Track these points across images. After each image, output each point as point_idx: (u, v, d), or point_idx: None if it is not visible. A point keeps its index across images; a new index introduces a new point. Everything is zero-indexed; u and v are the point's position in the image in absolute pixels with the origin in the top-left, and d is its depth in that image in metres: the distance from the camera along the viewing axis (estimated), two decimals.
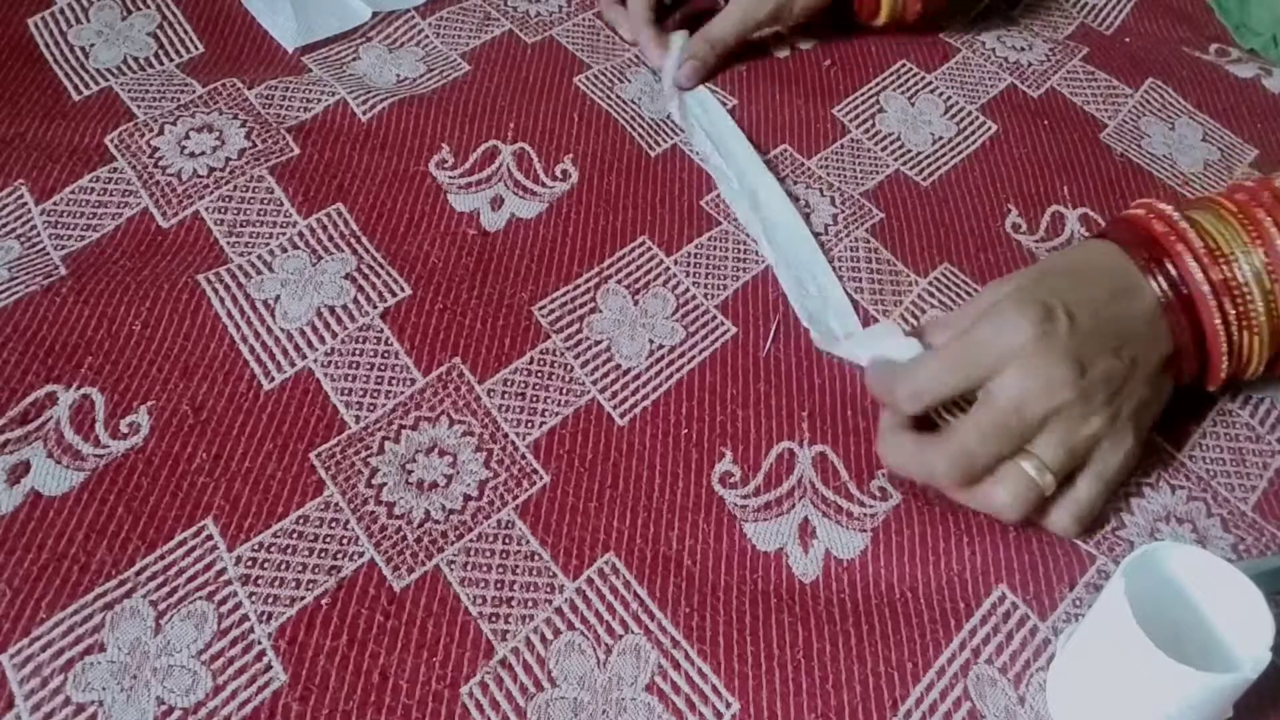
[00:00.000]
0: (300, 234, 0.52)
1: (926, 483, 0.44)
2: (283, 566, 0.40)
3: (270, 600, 0.40)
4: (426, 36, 0.65)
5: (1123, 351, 0.41)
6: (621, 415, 0.47)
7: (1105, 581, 0.42)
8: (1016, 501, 0.41)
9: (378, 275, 0.51)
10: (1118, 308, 0.42)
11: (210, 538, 0.41)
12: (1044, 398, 0.40)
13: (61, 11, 0.63)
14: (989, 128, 0.62)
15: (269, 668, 0.38)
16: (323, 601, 0.40)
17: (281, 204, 0.54)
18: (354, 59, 0.63)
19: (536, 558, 0.42)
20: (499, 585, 0.41)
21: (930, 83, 0.65)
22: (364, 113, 0.58)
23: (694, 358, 0.49)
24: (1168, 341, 0.43)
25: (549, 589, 0.41)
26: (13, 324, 0.47)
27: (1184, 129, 0.63)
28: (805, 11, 0.64)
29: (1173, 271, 0.42)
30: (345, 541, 0.41)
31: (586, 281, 0.52)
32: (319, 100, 0.59)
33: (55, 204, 0.53)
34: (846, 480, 0.45)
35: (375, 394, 0.46)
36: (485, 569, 0.41)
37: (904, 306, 0.52)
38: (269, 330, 0.48)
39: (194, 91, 0.59)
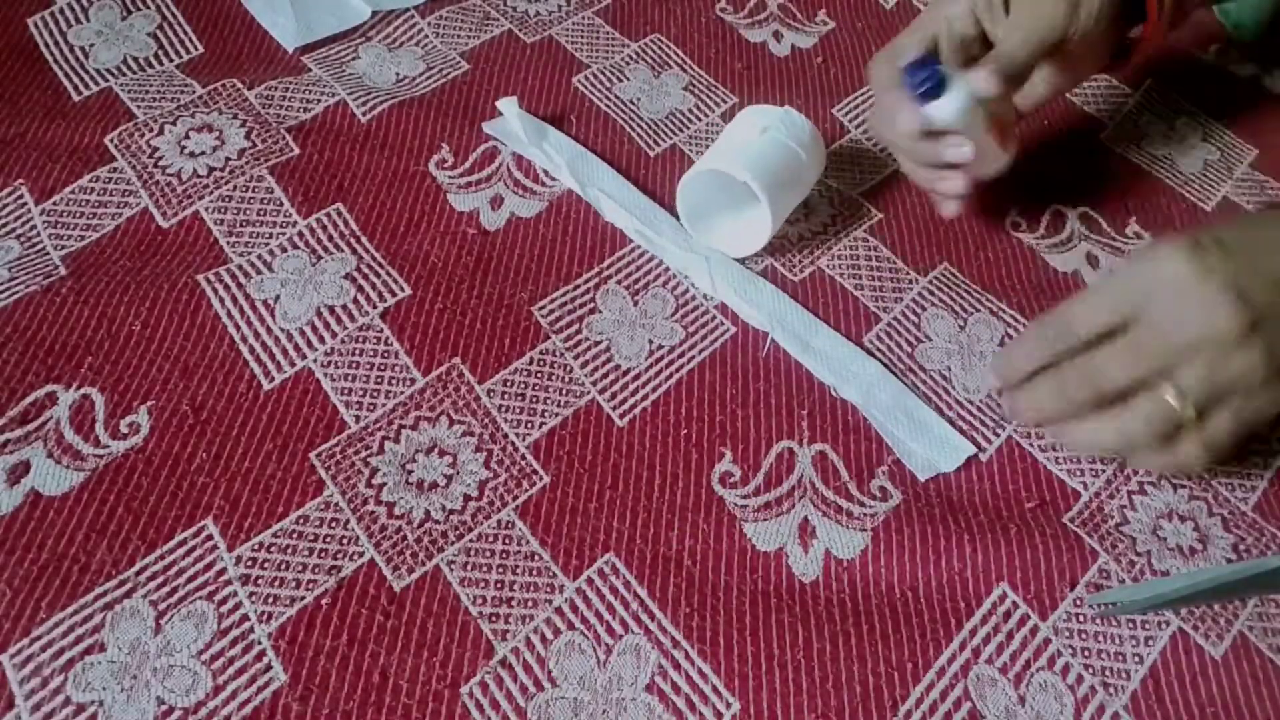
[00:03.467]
0: (300, 234, 0.52)
1: (1052, 411, 0.41)
2: (283, 566, 0.40)
3: (270, 600, 0.40)
4: (426, 36, 0.65)
5: None
6: (621, 416, 0.47)
7: (1106, 580, 0.42)
8: (1149, 429, 0.39)
9: (377, 275, 0.51)
10: None
11: (210, 538, 0.41)
12: (1197, 324, 0.37)
13: (61, 11, 0.63)
14: None
15: (269, 668, 0.38)
16: (323, 601, 0.40)
17: (281, 204, 0.53)
18: (354, 58, 0.63)
19: (536, 558, 0.42)
20: (499, 585, 0.41)
21: None
22: (364, 113, 0.58)
23: (693, 358, 0.49)
24: None
25: (549, 589, 0.41)
26: (13, 324, 0.47)
27: (1183, 129, 0.63)
28: (1091, 16, 0.48)
29: None
30: (345, 541, 0.41)
31: (586, 282, 0.52)
32: (319, 100, 0.59)
33: (55, 204, 0.53)
34: (846, 480, 0.45)
35: (375, 394, 0.46)
36: (485, 569, 0.41)
37: (904, 304, 0.52)
38: (269, 330, 0.48)
39: (194, 92, 0.59)
